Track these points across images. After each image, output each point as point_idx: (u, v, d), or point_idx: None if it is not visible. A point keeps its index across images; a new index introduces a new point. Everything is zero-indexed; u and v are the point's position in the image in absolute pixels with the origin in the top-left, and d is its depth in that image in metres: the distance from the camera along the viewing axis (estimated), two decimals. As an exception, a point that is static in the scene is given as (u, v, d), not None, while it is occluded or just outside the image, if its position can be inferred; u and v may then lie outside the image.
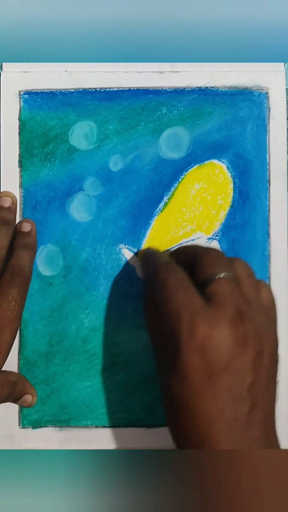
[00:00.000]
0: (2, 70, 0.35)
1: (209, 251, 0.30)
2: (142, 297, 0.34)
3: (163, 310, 0.28)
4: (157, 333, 0.31)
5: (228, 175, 0.35)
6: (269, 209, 0.35)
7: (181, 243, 0.35)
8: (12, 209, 0.34)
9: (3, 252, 0.32)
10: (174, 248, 0.35)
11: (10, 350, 0.31)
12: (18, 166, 0.34)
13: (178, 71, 0.35)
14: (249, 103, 0.35)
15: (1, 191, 0.34)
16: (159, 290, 0.28)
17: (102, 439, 0.34)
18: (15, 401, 0.33)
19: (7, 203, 0.34)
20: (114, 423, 0.34)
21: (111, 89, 0.35)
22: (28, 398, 0.33)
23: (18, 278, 0.31)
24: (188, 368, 0.26)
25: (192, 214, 0.35)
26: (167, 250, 0.35)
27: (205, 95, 0.34)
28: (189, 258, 0.30)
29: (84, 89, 0.34)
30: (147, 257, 0.33)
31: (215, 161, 0.35)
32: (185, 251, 0.32)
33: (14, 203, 0.34)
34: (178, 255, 0.32)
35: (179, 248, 0.34)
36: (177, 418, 0.27)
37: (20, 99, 0.34)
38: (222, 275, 0.28)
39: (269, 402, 0.27)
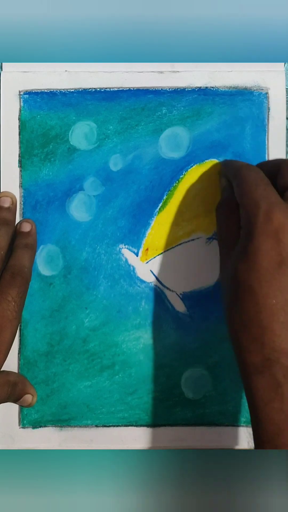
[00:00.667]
0: (2, 70, 0.35)
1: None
2: (220, 198, 0.34)
3: (241, 204, 0.29)
4: (228, 232, 0.31)
5: (228, 175, 0.35)
6: (269, 209, 0.35)
7: (181, 243, 0.35)
8: (12, 209, 0.34)
9: (2, 252, 0.32)
10: (177, 246, 0.35)
11: (9, 350, 0.31)
12: (18, 166, 0.34)
13: (178, 71, 0.35)
14: (249, 103, 0.35)
15: (1, 191, 0.34)
16: (240, 185, 0.29)
17: (102, 439, 0.34)
18: (15, 401, 0.33)
19: (7, 203, 0.34)
20: (114, 423, 0.34)
21: (111, 89, 0.35)
22: (28, 398, 0.33)
23: (18, 278, 0.31)
24: (260, 253, 0.27)
25: (192, 214, 0.35)
26: (172, 248, 0.35)
27: (205, 95, 0.34)
28: (272, 169, 0.31)
29: (84, 89, 0.35)
30: (228, 162, 0.33)
31: (214, 161, 0.35)
32: (268, 163, 0.33)
33: (14, 203, 0.34)
34: (261, 166, 0.32)
35: (262, 162, 0.34)
36: (240, 304, 0.27)
37: (20, 99, 0.34)
38: None
39: None
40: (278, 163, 0.31)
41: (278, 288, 0.26)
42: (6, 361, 0.31)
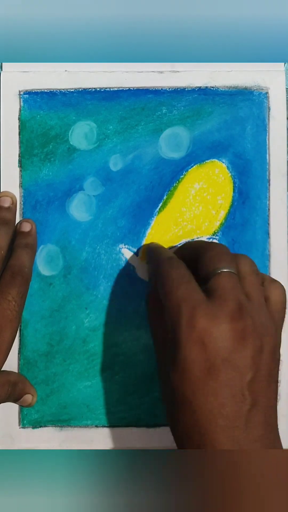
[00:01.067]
0: (2, 70, 0.35)
1: (213, 246, 0.30)
2: (146, 292, 0.34)
3: (164, 304, 0.28)
4: (158, 328, 0.31)
5: (228, 175, 0.35)
6: (269, 209, 0.35)
7: (181, 243, 0.35)
8: (12, 209, 0.34)
9: (3, 252, 0.32)
10: (178, 245, 0.35)
11: (10, 350, 0.31)
12: (18, 166, 0.34)
13: (178, 71, 0.35)
14: (249, 103, 0.35)
15: (1, 191, 0.34)
16: (161, 284, 0.29)
17: (102, 439, 0.34)
18: (15, 401, 0.33)
19: (6, 203, 0.34)
20: (114, 423, 0.34)
21: (111, 89, 0.35)
22: (28, 398, 0.33)
23: (18, 278, 0.31)
24: (188, 361, 0.26)
25: (192, 214, 0.35)
26: (172, 247, 0.35)
27: (205, 95, 0.34)
28: (193, 253, 0.30)
29: (84, 89, 0.35)
30: (151, 252, 0.33)
31: (215, 161, 0.35)
32: (190, 246, 0.32)
33: (14, 203, 0.34)
34: (183, 251, 0.32)
35: (184, 244, 0.34)
36: (177, 413, 0.27)
37: (20, 99, 0.34)
38: (224, 270, 0.28)
39: (270, 401, 0.27)
40: (197, 247, 0.31)
41: (212, 393, 0.26)
42: (6, 361, 0.31)
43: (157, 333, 0.31)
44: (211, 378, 0.26)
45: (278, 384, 0.28)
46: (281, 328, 0.29)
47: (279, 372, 0.28)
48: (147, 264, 0.34)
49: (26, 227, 0.34)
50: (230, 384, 0.26)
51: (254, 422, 0.26)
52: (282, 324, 0.29)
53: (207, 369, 0.26)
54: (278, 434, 0.27)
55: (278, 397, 0.28)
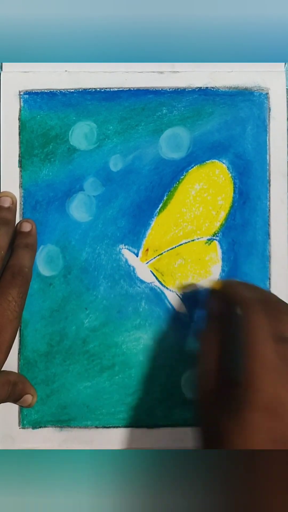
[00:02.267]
0: (2, 70, 0.34)
1: (281, 305, 0.29)
2: (201, 327, 0.33)
3: (244, 354, 0.26)
4: (210, 365, 0.29)
5: (228, 175, 0.35)
6: (269, 210, 0.35)
7: (181, 244, 0.35)
8: (12, 209, 0.34)
9: (3, 252, 0.32)
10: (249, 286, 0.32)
11: (10, 350, 0.31)
12: (18, 166, 0.34)
13: (178, 71, 0.34)
14: (249, 103, 0.35)
15: (1, 191, 0.34)
16: (249, 332, 0.27)
17: (102, 439, 0.34)
18: (15, 401, 0.33)
19: (6, 203, 0.34)
20: (114, 423, 0.34)
21: (111, 89, 0.34)
22: (28, 398, 0.33)
23: (18, 278, 0.31)
24: (252, 427, 0.25)
25: (192, 214, 0.35)
26: (172, 248, 0.34)
27: (205, 95, 0.34)
28: (271, 306, 0.28)
29: (84, 89, 0.34)
30: (238, 288, 0.30)
31: (215, 161, 0.35)
32: (268, 298, 0.30)
33: (14, 203, 0.34)
34: (258, 295, 0.30)
35: (257, 289, 0.31)
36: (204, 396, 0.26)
37: (20, 99, 0.34)
38: None
39: None
40: (279, 304, 0.29)
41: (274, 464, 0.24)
42: (6, 361, 0.31)
43: (208, 369, 0.29)
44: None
45: None
46: None
47: None
48: (225, 291, 0.32)
49: (26, 227, 0.34)
50: None
51: None
52: None
53: (272, 441, 0.25)
54: None
55: None
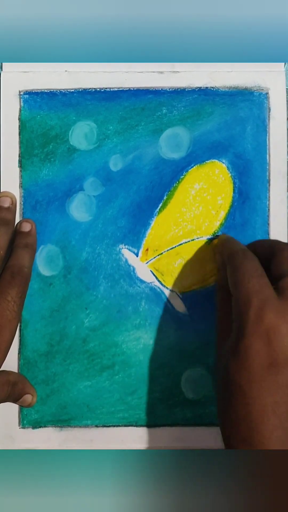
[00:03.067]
0: (2, 70, 0.34)
1: None
2: (216, 282, 0.34)
3: (233, 294, 0.28)
4: (224, 319, 0.31)
5: (228, 175, 0.35)
6: (269, 209, 0.35)
7: (181, 243, 0.35)
8: (11, 209, 0.34)
9: (2, 252, 0.32)
10: (180, 244, 0.35)
11: (8, 350, 0.31)
12: (18, 166, 0.34)
13: (178, 71, 0.35)
14: (249, 103, 0.35)
15: (1, 191, 0.34)
16: (233, 274, 0.29)
17: (102, 439, 0.34)
18: (15, 401, 0.33)
19: (6, 203, 0.34)
20: (114, 422, 0.34)
21: (111, 89, 0.34)
22: (28, 398, 0.33)
23: (18, 278, 0.31)
24: (250, 353, 0.26)
25: (192, 214, 0.35)
26: (172, 248, 0.35)
27: (205, 95, 0.34)
28: (267, 251, 0.30)
29: (84, 89, 0.34)
30: (225, 243, 0.32)
31: (215, 161, 0.35)
32: (264, 243, 0.32)
33: (13, 203, 0.34)
34: (256, 247, 0.32)
35: (257, 241, 0.34)
36: (229, 403, 0.27)
37: (20, 99, 0.34)
38: None
39: None
40: (273, 245, 0.31)
41: (268, 389, 0.26)
42: (6, 361, 0.31)
43: (222, 322, 0.31)
44: (270, 374, 0.26)
45: None
46: None
47: None
48: (217, 255, 0.34)
49: (26, 227, 0.34)
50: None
51: None
52: None
53: (268, 364, 0.26)
54: None
55: None
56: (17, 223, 0.34)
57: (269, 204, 0.35)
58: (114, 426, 0.34)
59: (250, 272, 0.28)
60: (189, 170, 0.35)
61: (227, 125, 0.35)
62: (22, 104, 0.34)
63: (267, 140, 0.35)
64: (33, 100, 0.34)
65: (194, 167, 0.35)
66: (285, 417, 0.25)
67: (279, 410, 0.25)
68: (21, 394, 0.32)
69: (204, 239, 0.35)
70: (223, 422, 0.28)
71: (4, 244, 0.32)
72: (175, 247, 0.35)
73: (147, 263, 0.34)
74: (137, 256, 0.35)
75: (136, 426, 0.34)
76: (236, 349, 0.27)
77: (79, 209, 0.35)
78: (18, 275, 0.31)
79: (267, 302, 0.27)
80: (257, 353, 0.26)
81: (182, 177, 0.35)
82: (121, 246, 0.34)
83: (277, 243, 0.31)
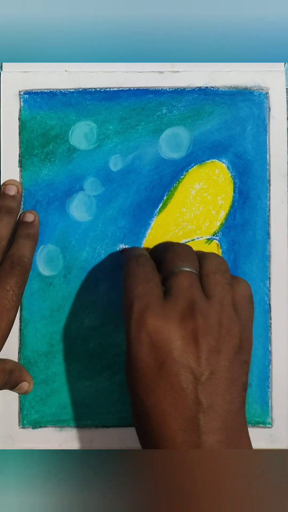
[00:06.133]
0: (2, 70, 0.34)
1: (175, 246, 0.30)
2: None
3: (123, 302, 0.28)
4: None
5: (228, 175, 0.35)
6: (269, 209, 0.35)
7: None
8: (16, 198, 0.34)
9: (3, 242, 0.32)
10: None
11: (6, 339, 0.31)
12: (18, 166, 0.34)
13: (178, 71, 0.35)
14: (249, 103, 0.35)
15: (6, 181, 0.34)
16: (122, 281, 0.29)
17: (102, 439, 0.34)
18: (11, 388, 0.32)
19: (12, 191, 0.33)
20: (114, 423, 0.34)
21: (111, 89, 0.35)
22: (25, 385, 0.33)
23: (17, 268, 0.31)
24: (137, 361, 0.26)
25: (192, 214, 0.35)
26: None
27: (205, 95, 0.34)
28: (160, 253, 0.30)
29: (84, 89, 0.34)
30: (127, 250, 0.33)
31: (215, 161, 0.35)
32: (159, 246, 0.32)
33: (19, 192, 0.34)
34: (154, 251, 0.32)
35: (157, 244, 0.34)
36: (134, 414, 0.27)
37: (20, 99, 0.34)
38: (182, 269, 0.27)
39: (230, 404, 0.25)
40: (163, 247, 0.30)
41: (163, 394, 0.25)
42: (6, 355, 0.31)
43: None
44: (161, 378, 0.25)
45: (244, 386, 0.26)
46: (251, 326, 0.28)
47: (246, 373, 0.27)
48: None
49: (29, 218, 0.34)
50: (182, 385, 0.25)
51: (210, 427, 0.25)
52: (252, 321, 0.28)
53: (157, 369, 0.25)
54: (247, 438, 0.26)
55: (244, 400, 0.26)
56: (21, 214, 0.34)
57: (269, 204, 0.35)
58: (114, 426, 0.34)
59: (138, 278, 0.28)
60: (189, 170, 0.35)
61: (227, 125, 0.35)
62: (22, 104, 0.34)
63: (267, 140, 0.35)
64: (33, 100, 0.34)
65: (194, 167, 0.35)
66: (184, 419, 0.25)
67: (177, 413, 0.25)
68: (18, 381, 0.32)
69: (204, 239, 0.35)
70: (136, 427, 0.27)
71: (6, 234, 0.32)
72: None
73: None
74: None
75: (136, 426, 0.34)
76: (128, 359, 0.27)
77: (79, 209, 0.35)
78: (18, 265, 0.31)
79: (149, 306, 0.26)
80: (144, 361, 0.26)
81: (182, 177, 0.35)
82: (121, 246, 0.34)
83: (165, 244, 0.31)
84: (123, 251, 0.34)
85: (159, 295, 0.27)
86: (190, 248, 0.30)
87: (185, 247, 0.30)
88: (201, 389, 0.25)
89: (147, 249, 0.34)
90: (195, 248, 0.34)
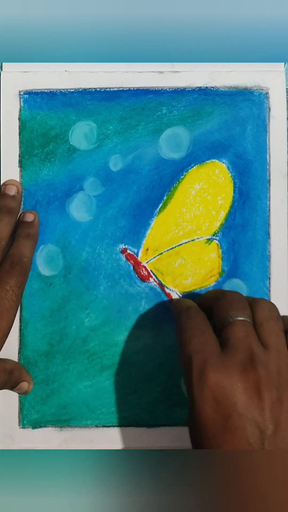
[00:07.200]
0: (2, 70, 0.34)
1: (226, 294, 0.29)
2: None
3: (180, 356, 0.27)
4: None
5: (228, 175, 0.35)
6: (269, 210, 0.35)
7: (181, 243, 0.35)
8: (16, 198, 0.34)
9: (3, 242, 0.32)
10: (203, 293, 0.34)
11: (6, 339, 0.31)
12: (18, 166, 0.34)
13: (178, 71, 0.35)
14: (249, 103, 0.35)
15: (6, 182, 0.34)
16: (177, 336, 0.28)
17: (102, 439, 0.34)
18: (11, 388, 0.33)
19: (12, 191, 0.34)
20: (114, 423, 0.34)
21: (111, 89, 0.34)
22: (24, 385, 0.33)
23: (17, 268, 0.31)
24: (203, 419, 0.25)
25: (192, 214, 0.35)
26: (172, 248, 0.34)
27: (205, 95, 0.34)
28: (211, 303, 0.29)
29: (84, 89, 0.34)
30: (173, 304, 0.32)
31: (215, 161, 0.35)
32: (209, 295, 0.32)
33: (19, 192, 0.34)
34: (203, 300, 0.31)
35: (205, 292, 0.33)
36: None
37: (20, 99, 0.34)
38: (237, 318, 0.27)
39: None
40: (214, 295, 0.30)
41: (229, 447, 0.25)
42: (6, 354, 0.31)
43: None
44: (228, 434, 0.25)
45: None
46: None
47: None
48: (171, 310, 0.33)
49: (29, 218, 0.34)
50: (249, 440, 0.25)
51: None
52: None
53: (223, 425, 0.25)
54: None
55: None
56: (21, 214, 0.34)
57: (269, 204, 0.35)
58: (114, 426, 0.34)
59: (192, 331, 0.27)
60: (189, 170, 0.35)
61: (227, 125, 0.35)
62: (22, 104, 0.34)
63: (267, 140, 0.35)
64: (33, 100, 0.34)
65: (194, 167, 0.35)
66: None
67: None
68: (18, 381, 0.32)
69: (204, 239, 0.35)
70: None
71: (6, 234, 0.32)
72: (175, 247, 0.35)
73: (147, 263, 0.34)
74: (137, 256, 0.35)
75: (136, 426, 0.34)
76: (192, 416, 0.26)
77: (79, 209, 0.35)
78: (17, 265, 0.31)
79: (208, 361, 0.26)
80: (209, 417, 0.25)
81: (182, 177, 0.35)
82: (121, 246, 0.34)
83: (216, 292, 0.30)
84: (170, 302, 0.33)
85: (216, 348, 0.26)
86: (241, 294, 0.29)
87: (236, 295, 0.29)
88: (268, 443, 0.25)
89: (149, 245, 0.34)
90: (195, 248, 0.34)
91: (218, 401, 0.25)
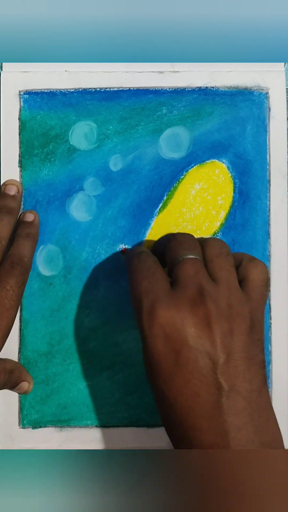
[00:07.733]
0: (2, 70, 0.34)
1: (177, 236, 0.30)
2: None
3: (131, 298, 0.28)
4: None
5: (228, 175, 0.35)
6: (269, 210, 0.35)
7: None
8: (16, 198, 0.34)
9: (4, 242, 0.32)
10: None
11: (6, 339, 0.31)
12: (18, 166, 0.34)
13: (178, 71, 0.35)
14: (249, 103, 0.35)
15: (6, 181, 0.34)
16: (129, 279, 0.29)
17: (102, 439, 0.34)
18: (11, 388, 0.33)
19: (12, 191, 0.34)
20: (114, 423, 0.34)
21: (111, 89, 0.35)
22: (25, 385, 0.33)
23: (17, 268, 0.31)
24: (155, 354, 0.26)
25: (192, 214, 0.35)
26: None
27: (205, 95, 0.34)
28: (162, 246, 0.30)
29: (84, 89, 0.34)
30: (127, 251, 0.33)
31: (215, 161, 0.35)
32: (161, 240, 0.32)
33: (19, 192, 0.34)
34: (156, 245, 0.32)
35: (159, 238, 0.34)
36: (159, 409, 0.27)
37: (20, 99, 0.34)
38: (186, 257, 0.28)
39: (252, 384, 0.26)
40: (164, 239, 0.30)
41: (184, 384, 0.25)
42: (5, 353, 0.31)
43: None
44: (180, 367, 0.25)
45: (261, 365, 0.26)
46: (261, 307, 0.28)
47: (261, 352, 0.27)
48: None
49: (29, 217, 0.34)
50: (201, 371, 0.25)
51: (234, 409, 0.25)
52: (263, 302, 0.28)
53: (175, 359, 0.25)
54: (273, 417, 0.26)
55: (264, 378, 0.26)
56: (21, 214, 0.34)
57: (269, 204, 0.35)
58: (114, 426, 0.34)
59: (142, 273, 0.28)
60: (189, 170, 0.35)
61: (227, 125, 0.35)
62: (22, 104, 0.34)
63: (267, 140, 0.35)
64: (33, 100, 0.34)
65: (194, 167, 0.35)
66: (209, 405, 0.25)
67: (200, 400, 0.25)
68: (18, 381, 0.32)
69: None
70: (166, 431, 0.27)
71: (6, 234, 0.32)
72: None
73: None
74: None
75: (136, 426, 0.34)
76: (144, 354, 0.27)
77: (79, 209, 0.35)
78: (17, 264, 0.31)
79: (157, 300, 0.26)
80: (160, 353, 0.26)
81: (182, 177, 0.35)
82: (121, 246, 0.34)
83: (166, 236, 0.31)
84: (123, 251, 0.34)
85: (166, 287, 0.27)
86: (192, 235, 0.30)
87: (186, 236, 0.30)
88: (221, 373, 0.25)
89: (148, 246, 0.34)
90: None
91: (169, 336, 0.26)
